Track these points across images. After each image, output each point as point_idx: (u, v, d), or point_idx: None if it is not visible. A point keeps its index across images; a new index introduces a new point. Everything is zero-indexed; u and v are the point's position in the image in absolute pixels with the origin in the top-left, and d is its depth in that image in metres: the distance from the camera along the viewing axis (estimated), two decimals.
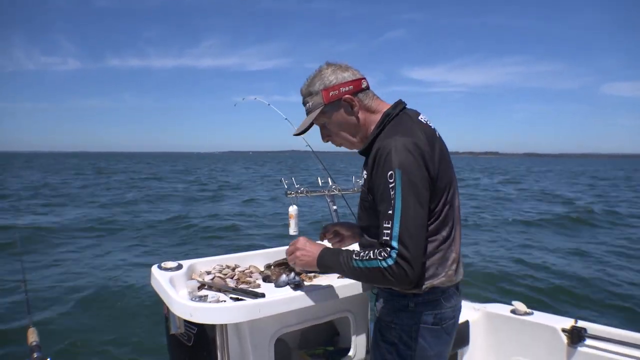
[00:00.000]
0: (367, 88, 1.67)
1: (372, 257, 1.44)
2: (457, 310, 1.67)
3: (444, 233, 1.56)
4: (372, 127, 1.66)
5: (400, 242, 1.39)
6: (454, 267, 1.60)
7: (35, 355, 1.83)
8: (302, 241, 1.71)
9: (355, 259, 1.49)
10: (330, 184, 2.55)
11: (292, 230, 2.47)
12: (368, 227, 1.65)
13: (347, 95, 1.61)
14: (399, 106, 1.66)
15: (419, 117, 1.64)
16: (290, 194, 2.44)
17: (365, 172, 1.62)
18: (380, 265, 1.42)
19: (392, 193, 1.43)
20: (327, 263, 1.61)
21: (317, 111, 1.64)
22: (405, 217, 1.40)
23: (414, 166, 1.44)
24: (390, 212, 1.43)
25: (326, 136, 1.74)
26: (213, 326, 1.82)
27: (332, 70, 1.63)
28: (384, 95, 1.72)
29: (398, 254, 1.39)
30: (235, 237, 11.33)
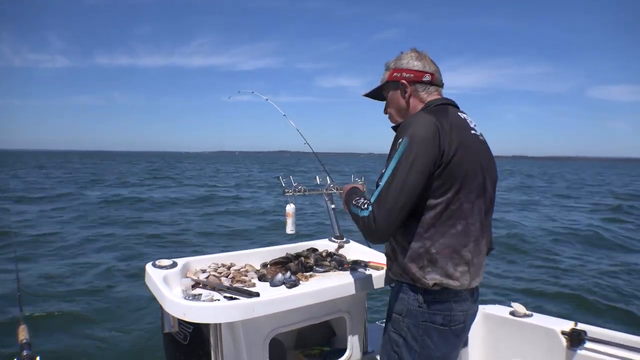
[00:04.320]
0: (430, 83, 1.76)
1: (359, 205, 1.60)
2: (470, 316, 1.68)
3: (458, 227, 1.57)
4: None
5: (377, 198, 1.53)
6: (465, 269, 1.59)
7: (24, 353, 1.81)
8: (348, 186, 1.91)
9: (353, 204, 1.65)
10: (329, 182, 2.51)
11: (289, 229, 2.44)
12: None
13: (403, 80, 1.75)
14: (443, 101, 1.76)
15: (459, 113, 1.71)
16: (288, 192, 2.41)
17: None
18: (359, 214, 1.58)
19: (393, 155, 1.55)
20: (346, 199, 1.78)
21: (380, 84, 1.85)
22: (391, 178, 1.52)
23: (422, 139, 1.52)
24: (383, 171, 1.56)
25: (385, 109, 1.88)
26: (207, 325, 1.80)
27: (409, 56, 1.78)
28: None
29: (372, 209, 1.53)
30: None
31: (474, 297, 1.70)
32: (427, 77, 1.76)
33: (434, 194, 1.55)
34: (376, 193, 1.54)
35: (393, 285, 1.76)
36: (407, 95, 1.76)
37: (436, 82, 1.78)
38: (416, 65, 1.76)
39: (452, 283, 1.58)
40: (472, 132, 1.68)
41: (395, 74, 1.78)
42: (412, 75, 1.75)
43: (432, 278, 1.57)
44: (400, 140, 1.55)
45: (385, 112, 1.89)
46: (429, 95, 1.76)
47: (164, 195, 19.86)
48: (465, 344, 2.59)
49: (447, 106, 1.71)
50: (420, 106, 1.75)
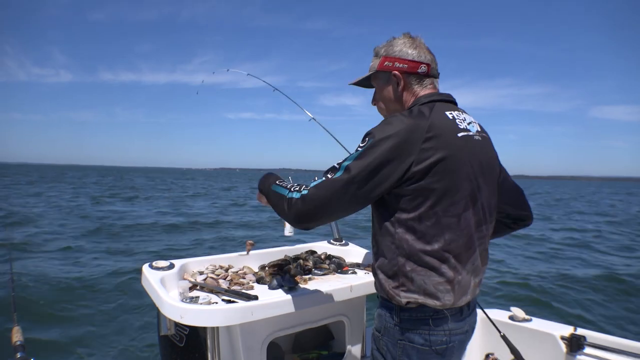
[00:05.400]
0: (425, 75, 1.57)
1: (288, 187, 1.47)
2: (456, 335, 1.47)
3: (435, 245, 1.39)
4: None
5: (315, 187, 1.39)
6: (447, 287, 1.41)
7: (18, 355, 1.79)
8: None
9: (277, 184, 1.53)
10: None
11: (287, 231, 2.42)
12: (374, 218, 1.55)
13: (396, 72, 1.56)
14: (434, 96, 1.55)
15: (448, 112, 1.48)
16: None
17: None
18: (287, 195, 1.44)
19: (354, 151, 1.40)
20: (260, 185, 1.64)
21: (368, 74, 1.65)
22: (340, 178, 1.37)
23: (389, 148, 1.35)
24: (337, 164, 1.42)
25: (373, 100, 1.70)
26: (205, 327, 1.78)
27: (402, 42, 1.58)
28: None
29: (304, 194, 1.39)
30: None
31: (464, 314, 1.49)
32: (423, 69, 1.56)
33: (404, 207, 1.39)
34: (316, 182, 1.41)
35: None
36: (399, 89, 1.58)
37: (432, 74, 1.58)
38: (410, 53, 1.55)
39: (431, 302, 1.40)
40: (462, 134, 1.45)
41: (386, 63, 1.58)
42: (405, 65, 1.55)
43: (406, 297, 1.41)
44: (367, 139, 1.39)
45: (374, 103, 1.70)
46: (422, 88, 1.57)
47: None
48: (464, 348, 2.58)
49: (435, 104, 1.49)
50: (412, 100, 1.58)
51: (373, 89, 1.70)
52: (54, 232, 11.99)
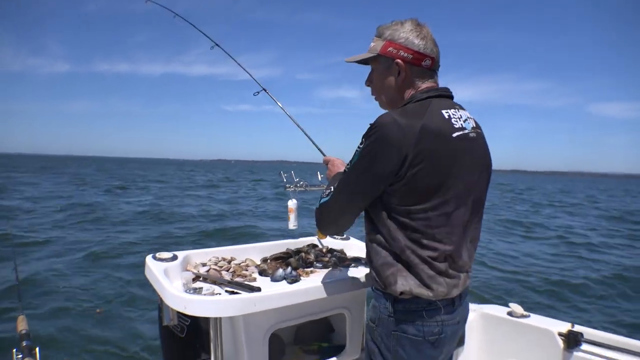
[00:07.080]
0: (428, 68, 1.54)
1: (321, 195, 1.60)
2: (448, 325, 1.52)
3: (424, 241, 1.43)
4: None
5: (329, 197, 1.54)
6: (440, 279, 1.46)
7: (24, 343, 1.81)
8: (339, 161, 1.86)
9: (326, 190, 1.61)
10: None
11: (292, 224, 2.44)
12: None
13: (399, 60, 1.51)
14: (430, 92, 1.53)
15: (444, 110, 1.47)
16: (289, 187, 2.41)
17: None
18: (320, 201, 1.59)
19: (353, 158, 1.47)
20: (330, 182, 1.72)
21: (369, 55, 1.58)
22: (343, 181, 1.50)
23: (383, 148, 1.38)
24: (345, 169, 1.52)
25: (369, 81, 1.66)
26: (207, 318, 1.80)
27: (409, 30, 1.51)
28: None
29: (322, 203, 1.57)
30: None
31: (455, 305, 1.54)
32: (427, 62, 1.52)
33: (395, 204, 1.43)
34: (325, 196, 1.56)
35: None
36: (400, 79, 1.54)
37: (434, 68, 1.56)
38: (417, 44, 1.50)
39: (425, 292, 1.45)
40: (457, 133, 1.45)
41: (390, 49, 1.52)
42: (410, 56, 1.50)
43: (401, 286, 1.45)
44: (363, 140, 1.43)
45: (369, 84, 1.66)
46: (423, 82, 1.55)
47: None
48: (462, 343, 2.60)
49: (431, 101, 1.49)
50: (410, 94, 1.55)
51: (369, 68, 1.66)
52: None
